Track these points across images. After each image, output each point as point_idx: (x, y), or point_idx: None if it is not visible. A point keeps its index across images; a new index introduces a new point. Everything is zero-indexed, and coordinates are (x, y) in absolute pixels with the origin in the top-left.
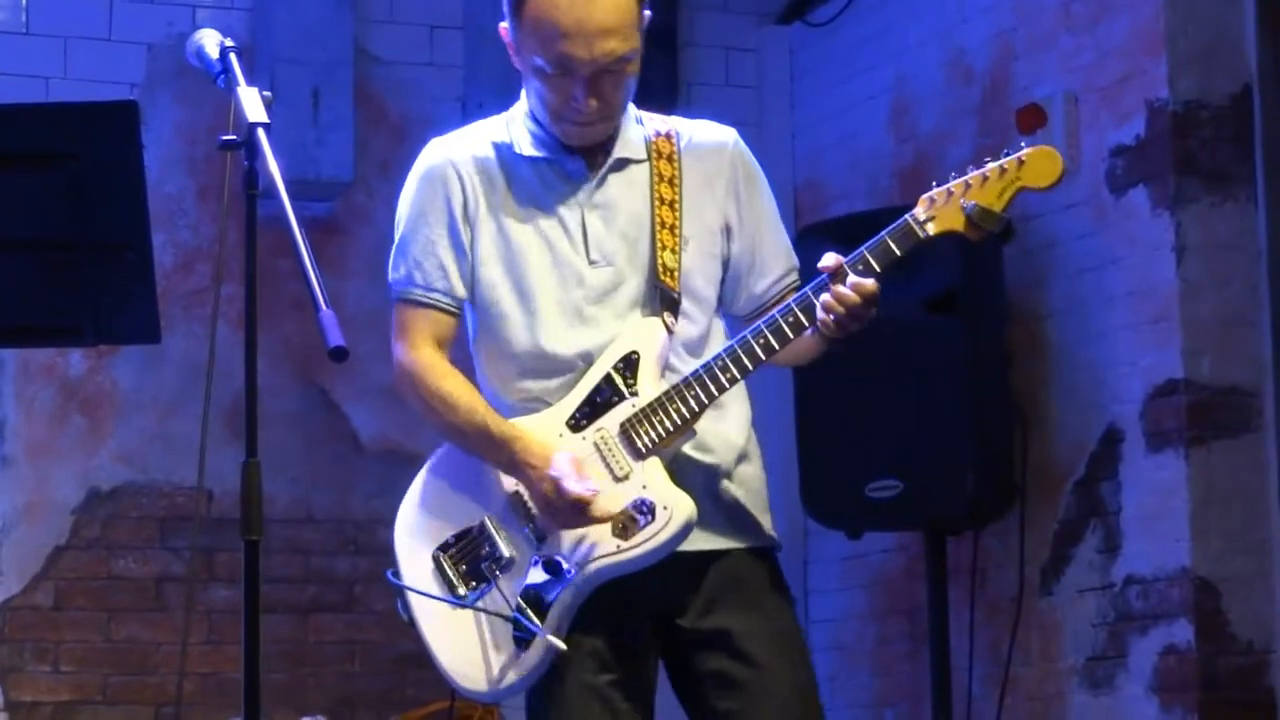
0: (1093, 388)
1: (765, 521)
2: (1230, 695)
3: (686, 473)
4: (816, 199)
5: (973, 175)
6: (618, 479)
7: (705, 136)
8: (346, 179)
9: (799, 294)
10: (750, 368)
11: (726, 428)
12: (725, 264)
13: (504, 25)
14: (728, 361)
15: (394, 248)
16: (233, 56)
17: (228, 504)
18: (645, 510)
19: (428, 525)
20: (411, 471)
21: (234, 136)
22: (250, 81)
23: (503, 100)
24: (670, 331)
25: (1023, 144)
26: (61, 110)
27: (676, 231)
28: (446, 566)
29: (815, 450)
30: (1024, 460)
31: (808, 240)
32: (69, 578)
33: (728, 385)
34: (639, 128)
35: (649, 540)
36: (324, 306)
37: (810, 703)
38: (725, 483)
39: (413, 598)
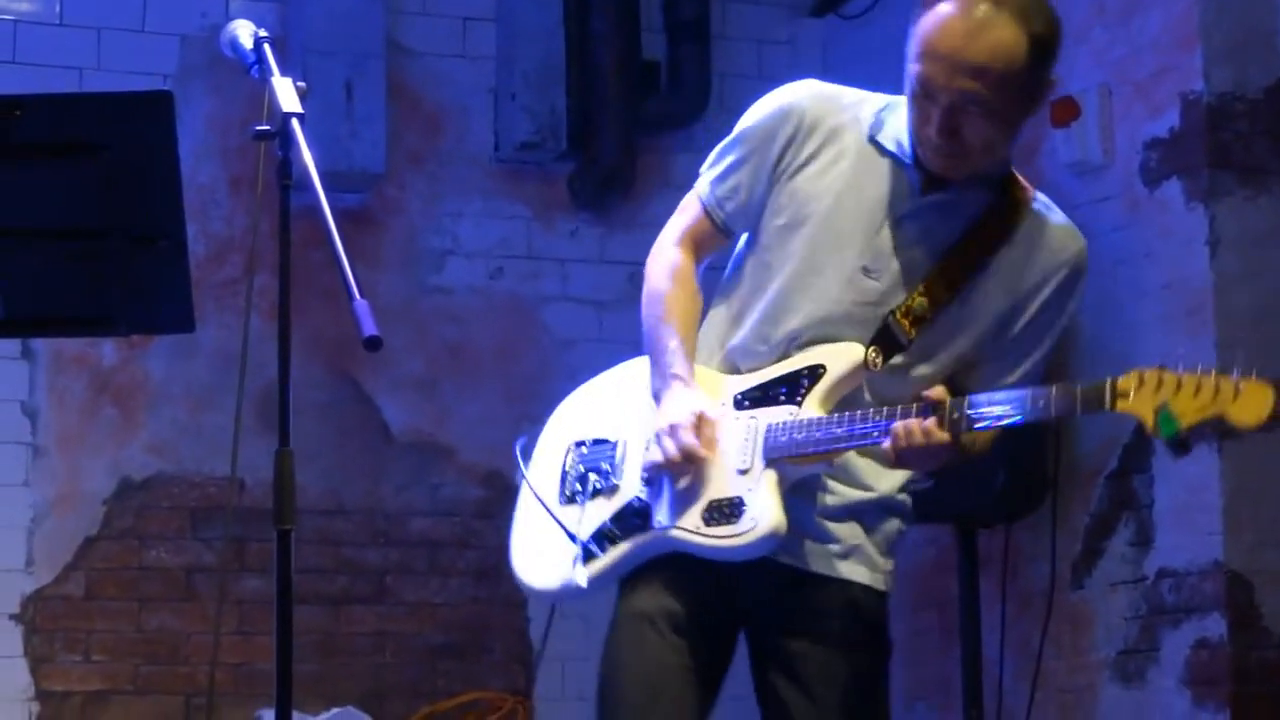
0: None
1: (884, 566)
2: (1263, 689)
3: (823, 494)
4: None
5: (1186, 376)
6: (738, 470)
7: (1056, 227)
8: (378, 171)
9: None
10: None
11: (882, 474)
12: (980, 347)
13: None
14: (859, 434)
15: (721, 144)
16: (267, 47)
17: (259, 494)
18: (733, 510)
19: (582, 416)
20: (442, 463)
21: (268, 126)
22: (283, 74)
23: (535, 92)
24: (869, 367)
25: (1253, 374)
26: (97, 100)
27: (955, 288)
28: (569, 461)
29: None
30: (1056, 454)
31: None
32: (100, 568)
33: (879, 439)
34: (995, 183)
35: (724, 539)
36: (357, 296)
37: None
38: (857, 520)
39: (525, 479)
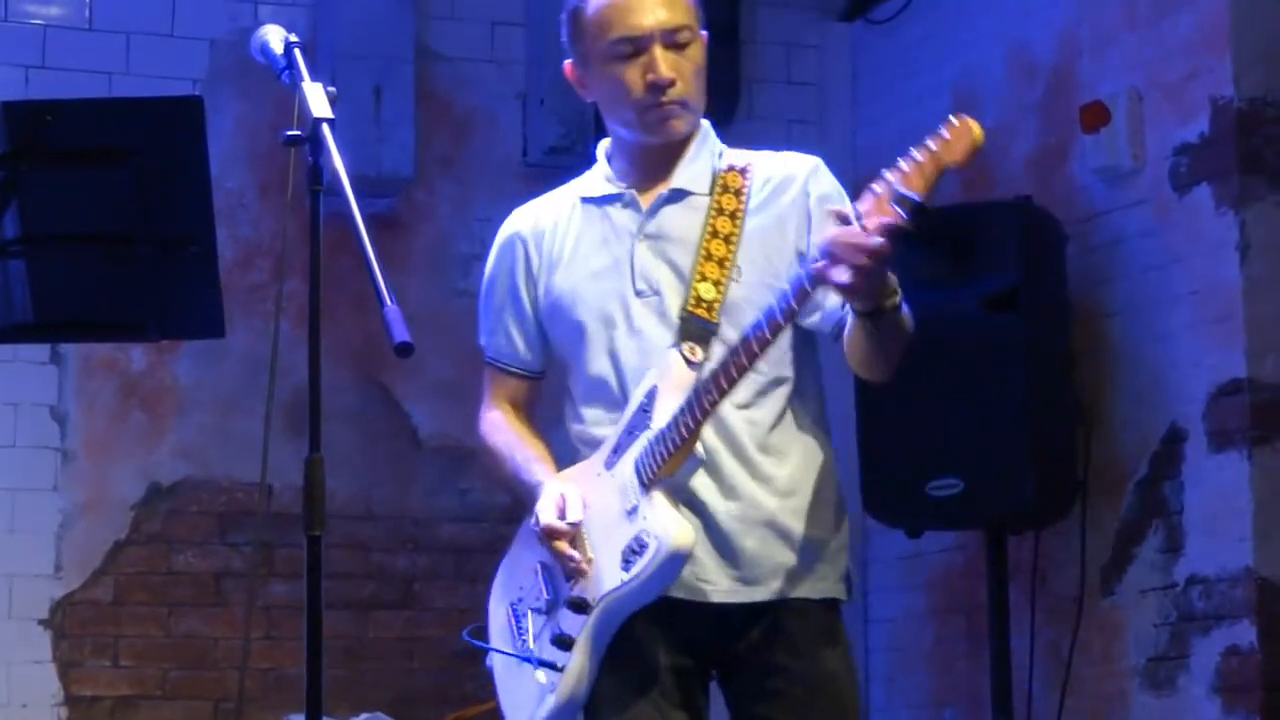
0: (1155, 387)
1: (825, 571)
2: None
3: (713, 523)
4: None
5: (901, 161)
6: (627, 514)
7: (782, 170)
8: (408, 175)
9: (795, 280)
10: (735, 375)
11: (769, 474)
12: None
13: (568, 63)
14: (719, 371)
15: (481, 306)
16: (297, 52)
17: (287, 499)
18: (640, 544)
19: (508, 580)
20: (470, 467)
21: (298, 132)
22: (312, 79)
23: (563, 97)
24: (691, 359)
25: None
26: (127, 105)
27: (727, 264)
28: (519, 615)
29: (876, 448)
30: (1086, 459)
31: None
32: (129, 573)
33: (718, 396)
34: (709, 160)
35: (640, 573)
36: (389, 301)
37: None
38: (764, 531)
39: (493, 652)
